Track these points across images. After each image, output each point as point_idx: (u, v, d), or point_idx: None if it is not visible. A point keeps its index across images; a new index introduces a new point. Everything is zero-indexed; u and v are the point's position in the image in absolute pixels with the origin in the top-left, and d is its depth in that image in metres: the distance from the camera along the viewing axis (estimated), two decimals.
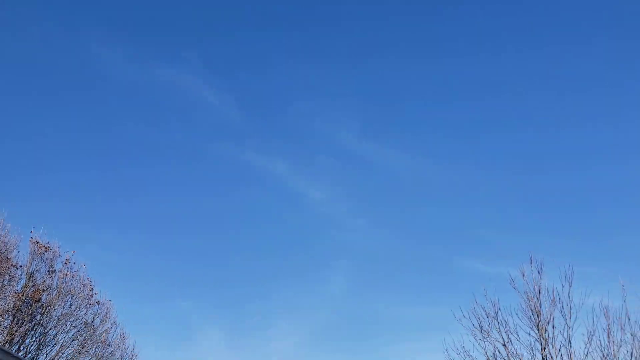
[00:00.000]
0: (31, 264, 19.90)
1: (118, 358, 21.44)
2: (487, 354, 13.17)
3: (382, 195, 44.07)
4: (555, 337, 12.78)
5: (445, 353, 13.74)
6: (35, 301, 19.16)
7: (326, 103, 43.06)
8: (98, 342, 20.77)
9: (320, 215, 44.63)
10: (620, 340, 12.34)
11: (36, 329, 19.19)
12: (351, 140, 42.76)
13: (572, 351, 12.52)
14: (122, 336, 21.96)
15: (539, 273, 13.37)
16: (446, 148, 41.44)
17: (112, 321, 21.52)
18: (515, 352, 12.97)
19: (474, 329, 13.58)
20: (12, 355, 12.67)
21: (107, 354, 21.10)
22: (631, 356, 12.18)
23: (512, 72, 38.98)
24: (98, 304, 21.13)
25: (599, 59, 36.97)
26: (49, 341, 19.42)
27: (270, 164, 43.84)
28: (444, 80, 41.34)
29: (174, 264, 43.57)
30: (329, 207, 43.57)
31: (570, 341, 12.62)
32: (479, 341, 13.43)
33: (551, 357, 12.68)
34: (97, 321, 20.93)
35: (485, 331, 13.42)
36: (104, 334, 21.10)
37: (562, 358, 12.52)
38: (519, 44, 38.91)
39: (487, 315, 13.56)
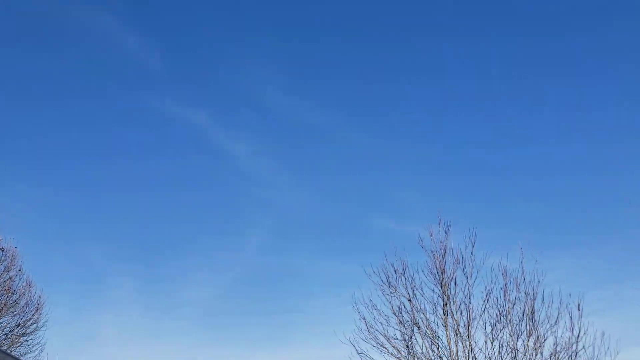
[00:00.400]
0: None
1: (23, 306, 20.83)
2: (393, 307, 13.85)
3: (305, 153, 44.29)
4: (457, 294, 13.58)
5: (354, 306, 14.32)
6: None
7: (252, 55, 42.33)
8: (2, 290, 20.08)
9: (241, 170, 44.37)
10: (515, 298, 13.30)
11: None
12: (277, 94, 42.43)
13: (471, 307, 13.37)
14: (28, 284, 21.30)
15: (445, 234, 14.08)
16: (372, 108, 41.93)
17: (17, 269, 20.82)
18: (419, 307, 13.70)
19: (383, 284, 14.20)
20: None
21: (11, 302, 20.46)
22: (523, 313, 13.16)
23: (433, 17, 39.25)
24: (2, 250, 20.35)
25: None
26: None
27: (191, 115, 42.90)
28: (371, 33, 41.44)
29: (83, 212, 42.28)
30: (251, 163, 43.35)
31: (470, 298, 13.46)
32: (386, 296, 14.08)
33: (452, 312, 13.49)
34: (0, 268, 20.18)
35: (392, 286, 14.06)
36: (8, 282, 20.41)
37: (461, 313, 13.36)
38: None
39: (395, 271, 14.19)
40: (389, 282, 14.07)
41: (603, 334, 12.69)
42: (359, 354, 13.67)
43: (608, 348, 12.57)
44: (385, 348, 13.62)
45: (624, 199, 26.55)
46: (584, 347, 12.61)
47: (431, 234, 14.18)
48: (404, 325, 13.63)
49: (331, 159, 41.87)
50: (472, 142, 37.73)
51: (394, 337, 13.64)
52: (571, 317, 12.85)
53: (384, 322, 13.83)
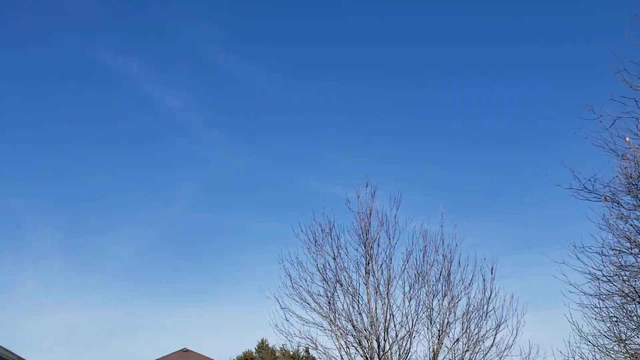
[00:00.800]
0: None
1: None
2: (318, 265, 14.20)
3: (241, 111, 43.86)
4: (379, 254, 14.07)
5: (281, 263, 14.57)
6: None
7: (192, 8, 41.12)
8: None
9: (174, 123, 43.56)
10: (433, 260, 13.91)
11: None
12: (215, 50, 41.58)
13: (392, 267, 13.90)
14: None
15: (372, 197, 14.46)
16: (311, 72, 41.81)
17: None
18: (343, 265, 14.11)
19: (309, 243, 14.49)
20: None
21: None
22: (440, 274, 13.81)
23: None
24: None
25: None
26: None
27: (123, 63, 41.47)
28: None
29: (5, 163, 40.54)
30: (184, 116, 42.57)
31: (391, 258, 13.97)
32: (312, 254, 14.39)
33: (373, 271, 13.98)
34: None
35: (319, 245, 14.38)
36: None
37: (382, 272, 13.87)
38: None
39: (322, 231, 14.49)
40: (316, 241, 14.39)
41: (512, 296, 13.55)
42: (282, 308, 14.00)
43: (516, 309, 13.46)
44: (308, 303, 14.00)
45: (540, 172, 28.12)
46: (494, 308, 13.43)
47: (358, 197, 14.54)
48: (327, 283, 14.04)
49: (266, 118, 41.73)
50: (401, 110, 38.25)
51: (317, 293, 14.04)
52: (484, 280, 13.63)
53: (309, 278, 14.18)
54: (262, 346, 39.42)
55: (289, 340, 14.03)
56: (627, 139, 10.76)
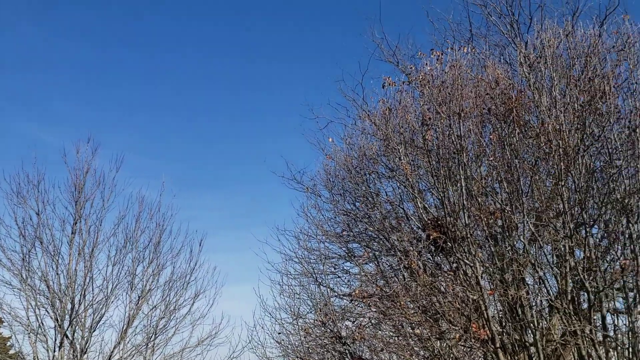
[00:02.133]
0: None
1: None
2: (17, 219, 13.16)
3: None
4: (90, 215, 13.56)
5: None
6: None
7: None
8: None
9: None
10: (146, 227, 13.88)
11: None
12: None
13: (102, 229, 13.51)
14: None
15: (92, 153, 13.86)
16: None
17: None
18: (47, 222, 13.29)
19: (11, 194, 13.36)
20: None
21: None
22: (150, 241, 13.82)
23: None
24: None
25: None
26: None
27: None
28: None
29: None
30: None
31: (102, 220, 13.57)
32: (12, 206, 13.29)
33: (81, 231, 13.44)
34: None
35: (22, 197, 13.33)
36: None
37: (89, 233, 13.39)
38: None
39: (29, 182, 13.46)
40: (19, 192, 13.31)
41: (215, 269, 14.20)
42: None
43: (216, 281, 14.13)
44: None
45: (260, 158, 29.98)
46: (195, 278, 13.91)
47: (78, 151, 13.82)
48: (25, 238, 13.10)
49: None
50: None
51: (12, 249, 13.02)
52: (192, 251, 14.03)
53: (4, 232, 13.09)
54: None
55: None
56: (331, 139, 11.97)
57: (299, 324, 11.86)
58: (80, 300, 13.01)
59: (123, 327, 13.09)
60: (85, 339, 12.84)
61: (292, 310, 11.87)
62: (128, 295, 13.34)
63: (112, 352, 12.99)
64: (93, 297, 13.05)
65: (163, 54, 36.17)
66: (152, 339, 13.23)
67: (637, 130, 8.10)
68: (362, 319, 10.87)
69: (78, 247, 13.32)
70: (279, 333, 11.98)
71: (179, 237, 14.07)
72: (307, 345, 11.46)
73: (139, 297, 13.37)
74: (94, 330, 12.98)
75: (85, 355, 12.92)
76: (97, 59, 33.97)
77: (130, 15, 35.36)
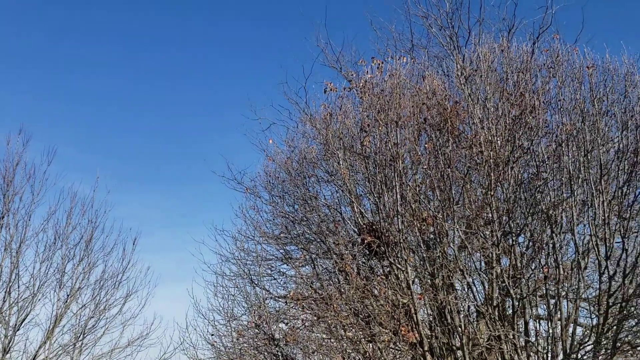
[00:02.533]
0: None
1: None
2: None
3: None
4: (19, 210, 13.07)
5: None
6: None
7: None
8: None
9: None
10: (77, 223, 13.48)
11: None
12: None
13: (30, 224, 13.04)
14: None
15: (23, 145, 13.36)
16: None
17: None
18: None
19: None
20: None
21: None
22: (81, 238, 13.44)
23: None
24: None
25: None
26: None
27: None
28: None
29: None
30: None
31: (31, 215, 13.09)
32: None
33: (8, 225, 12.90)
34: None
35: None
36: None
37: (17, 228, 12.88)
38: None
39: None
40: None
41: (148, 268, 13.92)
42: None
43: (149, 281, 13.85)
44: None
45: (200, 156, 29.95)
46: (128, 278, 13.60)
47: (8, 143, 13.31)
48: None
49: None
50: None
51: None
52: (125, 249, 13.71)
53: None
54: None
55: None
56: (271, 140, 12.01)
57: (233, 325, 11.81)
58: (4, 298, 12.51)
59: (50, 326, 12.67)
60: (8, 337, 12.35)
61: (226, 311, 11.79)
62: (56, 293, 12.90)
63: (37, 351, 12.54)
64: (19, 294, 12.55)
65: (100, 44, 35.08)
66: (80, 338, 12.85)
67: (563, 144, 8.50)
68: (296, 321, 10.92)
69: (5, 243, 12.79)
70: (212, 335, 11.90)
71: (112, 234, 13.72)
72: (240, 347, 11.41)
73: (67, 295, 12.96)
74: (19, 329, 12.51)
75: (8, 355, 12.44)
76: (28, 46, 32.70)
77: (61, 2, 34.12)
